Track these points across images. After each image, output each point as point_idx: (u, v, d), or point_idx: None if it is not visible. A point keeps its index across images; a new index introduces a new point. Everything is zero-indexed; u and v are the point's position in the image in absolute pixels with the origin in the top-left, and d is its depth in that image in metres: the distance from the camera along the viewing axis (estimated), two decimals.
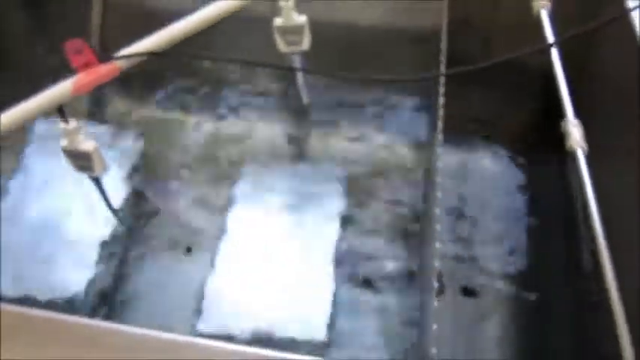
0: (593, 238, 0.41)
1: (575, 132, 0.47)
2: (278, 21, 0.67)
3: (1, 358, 0.42)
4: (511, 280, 0.79)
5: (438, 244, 0.50)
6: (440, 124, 0.61)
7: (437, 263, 0.49)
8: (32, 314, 0.48)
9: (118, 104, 0.97)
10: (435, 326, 0.44)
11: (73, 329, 0.46)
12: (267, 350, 0.45)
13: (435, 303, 0.46)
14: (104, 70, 0.52)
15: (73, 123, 0.55)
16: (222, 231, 0.81)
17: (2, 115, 0.49)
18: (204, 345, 0.46)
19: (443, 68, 0.67)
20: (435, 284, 0.47)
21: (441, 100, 0.63)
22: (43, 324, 0.47)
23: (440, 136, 0.60)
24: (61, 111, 0.54)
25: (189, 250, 0.83)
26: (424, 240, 0.72)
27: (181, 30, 0.56)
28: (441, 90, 0.64)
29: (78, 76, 0.51)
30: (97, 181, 0.61)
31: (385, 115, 0.93)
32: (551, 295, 0.77)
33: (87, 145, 0.56)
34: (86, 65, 0.51)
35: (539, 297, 0.77)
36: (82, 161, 0.57)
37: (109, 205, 0.63)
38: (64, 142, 0.57)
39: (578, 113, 0.55)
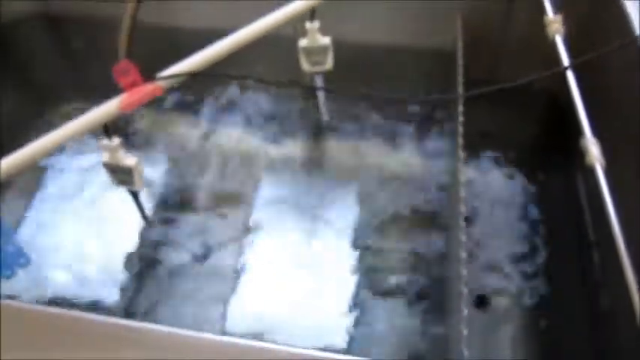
0: (616, 250, 0.44)
1: (593, 149, 0.50)
2: (303, 42, 0.71)
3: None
4: (523, 291, 0.82)
5: (463, 254, 0.53)
6: (460, 141, 0.64)
7: (464, 272, 0.52)
8: (55, 312, 0.49)
9: (137, 118, 1.01)
10: (465, 331, 0.47)
11: (99, 328, 0.48)
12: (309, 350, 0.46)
13: (465, 310, 0.49)
14: (148, 89, 0.55)
15: (115, 140, 0.58)
16: (242, 243, 0.84)
17: (57, 131, 0.52)
18: (245, 345, 0.47)
19: (461, 88, 0.70)
20: (464, 291, 0.50)
21: (461, 119, 0.66)
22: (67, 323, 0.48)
23: (461, 152, 0.64)
24: (105, 128, 0.57)
25: (209, 260, 0.86)
26: (446, 250, 0.75)
27: (218, 52, 0.59)
28: (460, 109, 0.67)
29: (124, 95, 0.54)
30: (135, 194, 0.64)
31: (402, 131, 0.96)
32: (563, 305, 0.80)
33: (129, 160, 0.59)
34: (132, 85, 0.55)
35: (551, 308, 0.80)
36: (122, 175, 0.60)
37: (144, 217, 0.66)
38: (105, 158, 0.59)
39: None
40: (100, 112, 0.54)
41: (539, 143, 0.96)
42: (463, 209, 0.58)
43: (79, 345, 0.46)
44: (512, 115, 0.96)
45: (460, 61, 0.75)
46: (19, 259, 0.51)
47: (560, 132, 0.90)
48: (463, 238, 0.55)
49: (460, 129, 0.65)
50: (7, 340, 0.43)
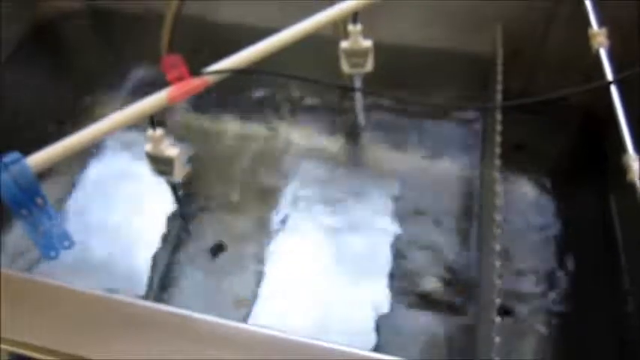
0: None
1: (635, 166, 0.50)
2: (345, 44, 0.72)
3: None
4: (546, 308, 0.82)
5: (497, 264, 0.54)
6: (497, 150, 0.64)
7: (497, 281, 0.52)
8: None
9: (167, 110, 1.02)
10: (497, 339, 0.47)
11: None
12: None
13: (497, 319, 0.49)
14: (195, 83, 0.56)
15: (159, 130, 0.60)
16: (271, 240, 0.85)
17: (106, 119, 0.53)
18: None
19: (499, 97, 0.71)
20: (496, 300, 0.51)
21: (499, 128, 0.66)
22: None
23: (497, 161, 0.64)
24: (151, 119, 0.58)
25: (233, 256, 0.87)
26: (479, 258, 0.75)
27: (263, 50, 0.60)
28: (498, 118, 0.67)
29: (172, 88, 0.56)
30: (173, 186, 0.65)
31: (436, 135, 0.97)
32: (588, 326, 0.79)
33: (171, 151, 0.60)
34: (179, 78, 0.56)
35: (575, 327, 0.80)
36: (163, 166, 0.62)
37: (181, 208, 0.67)
38: (148, 147, 0.61)
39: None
40: (148, 103, 0.56)
41: (571, 157, 0.95)
42: (499, 218, 0.58)
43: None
44: (545, 127, 0.96)
45: (499, 69, 0.75)
46: (64, 241, 0.53)
47: (594, 147, 0.89)
48: (497, 247, 0.55)
49: (497, 138, 0.66)
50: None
